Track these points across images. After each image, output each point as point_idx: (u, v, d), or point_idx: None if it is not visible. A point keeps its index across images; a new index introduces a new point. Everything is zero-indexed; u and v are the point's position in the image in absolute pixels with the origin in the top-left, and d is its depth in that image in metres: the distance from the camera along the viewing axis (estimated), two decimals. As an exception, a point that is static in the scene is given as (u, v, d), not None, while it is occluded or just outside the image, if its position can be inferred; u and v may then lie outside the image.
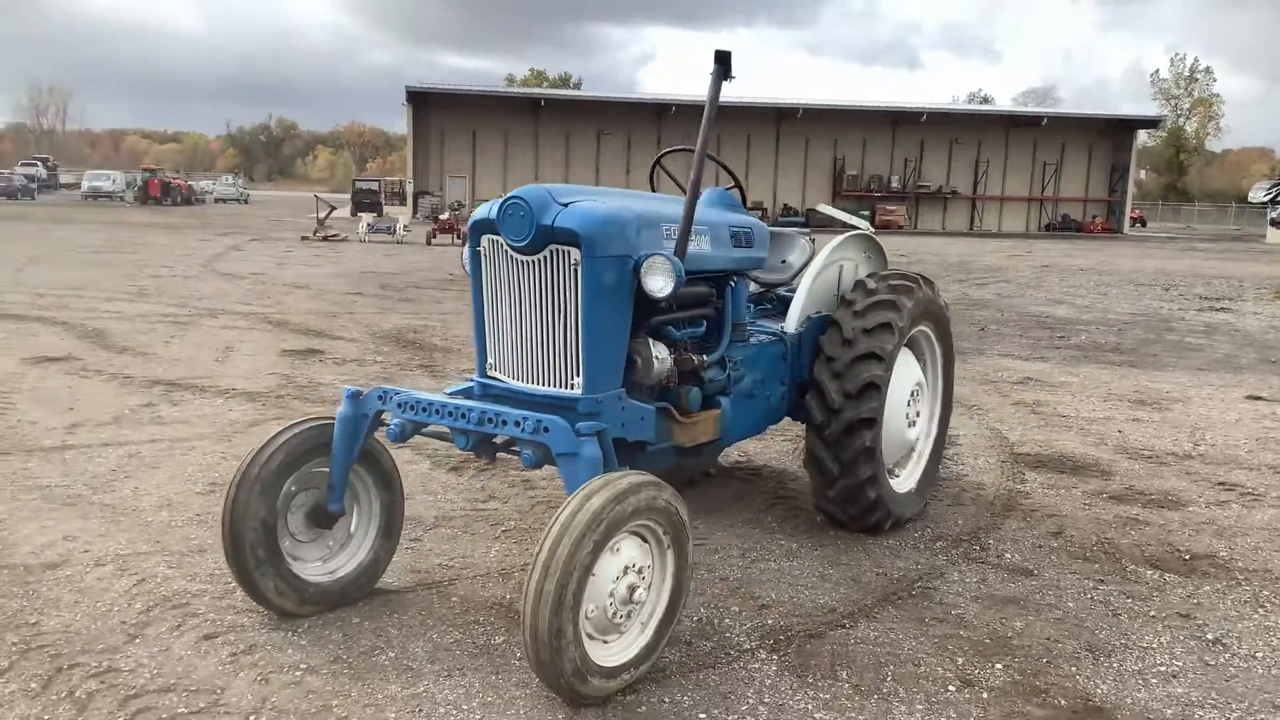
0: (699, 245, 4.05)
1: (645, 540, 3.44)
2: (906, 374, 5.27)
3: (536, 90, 68.94)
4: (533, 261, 3.62)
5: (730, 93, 3.93)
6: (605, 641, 3.37)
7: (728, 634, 3.92)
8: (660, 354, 3.84)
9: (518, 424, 3.50)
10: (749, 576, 4.54)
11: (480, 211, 3.72)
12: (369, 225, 32.54)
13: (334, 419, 3.88)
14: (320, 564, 4.07)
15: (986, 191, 62.28)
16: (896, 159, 61.96)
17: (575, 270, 3.53)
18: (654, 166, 5.09)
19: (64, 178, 74.13)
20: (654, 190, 4.91)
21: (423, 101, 56.95)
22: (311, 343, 10.88)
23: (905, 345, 5.47)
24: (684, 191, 4.80)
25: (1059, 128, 62.05)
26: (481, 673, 3.51)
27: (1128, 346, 12.40)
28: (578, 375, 3.62)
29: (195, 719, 3.16)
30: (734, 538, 5.07)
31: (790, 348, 5.01)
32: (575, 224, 3.49)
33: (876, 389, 4.83)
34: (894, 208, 59.12)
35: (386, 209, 48.09)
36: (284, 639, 3.74)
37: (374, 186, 54.44)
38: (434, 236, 31.00)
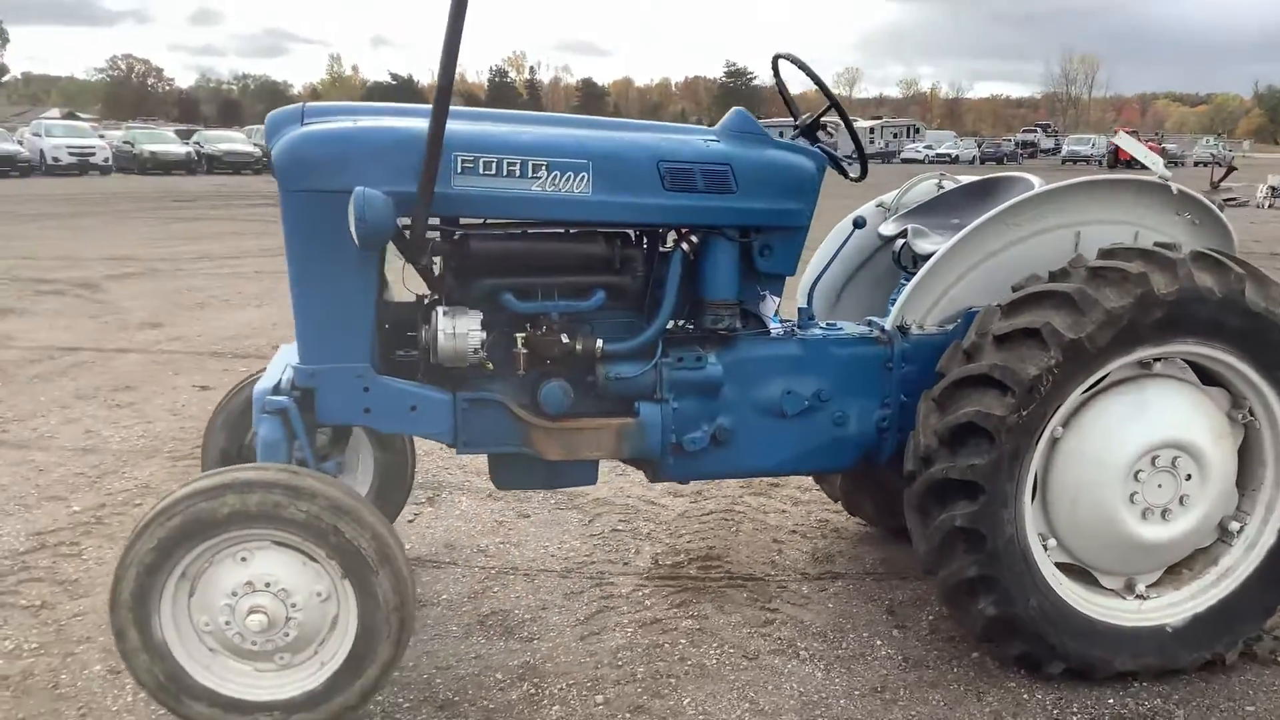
0: (561, 185, 2.87)
1: (315, 560, 2.69)
2: (1139, 426, 3.04)
3: None
4: None
5: None
6: (257, 670, 2.74)
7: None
8: (461, 327, 2.85)
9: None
10: (686, 672, 3.17)
11: None
12: (1274, 189, 23.83)
13: None
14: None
15: None
16: None
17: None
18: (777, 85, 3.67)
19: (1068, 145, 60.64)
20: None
21: None
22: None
23: (1209, 381, 3.17)
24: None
25: None
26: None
27: None
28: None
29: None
30: (820, 614, 3.56)
31: (901, 353, 3.27)
32: (277, 150, 2.79)
33: (987, 437, 2.90)
34: None
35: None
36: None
37: None
38: None
